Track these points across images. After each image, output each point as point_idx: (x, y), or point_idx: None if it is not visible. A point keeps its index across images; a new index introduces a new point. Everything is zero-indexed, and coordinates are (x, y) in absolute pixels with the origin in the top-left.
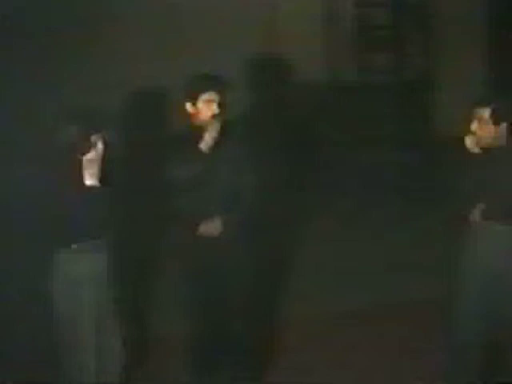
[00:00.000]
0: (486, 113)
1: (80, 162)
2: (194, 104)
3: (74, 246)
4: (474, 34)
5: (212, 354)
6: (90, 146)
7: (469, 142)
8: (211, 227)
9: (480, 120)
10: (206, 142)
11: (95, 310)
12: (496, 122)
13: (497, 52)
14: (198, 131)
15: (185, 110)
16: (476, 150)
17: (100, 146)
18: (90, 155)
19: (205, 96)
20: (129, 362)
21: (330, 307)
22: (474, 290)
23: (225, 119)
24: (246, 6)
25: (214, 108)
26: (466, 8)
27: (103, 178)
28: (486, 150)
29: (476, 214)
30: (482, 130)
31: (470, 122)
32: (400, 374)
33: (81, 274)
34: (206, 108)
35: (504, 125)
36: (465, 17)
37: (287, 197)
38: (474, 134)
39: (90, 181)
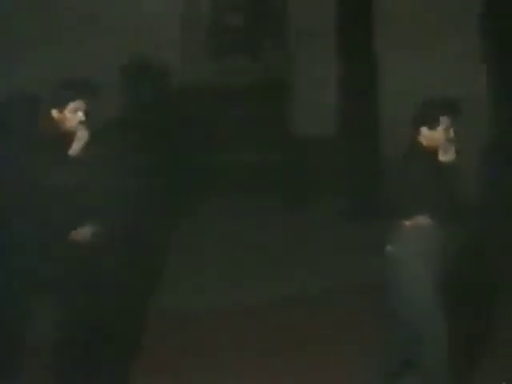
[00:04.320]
0: None
1: None
2: (60, 111)
3: None
4: (327, 36)
5: (82, 361)
6: None
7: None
8: (81, 233)
9: None
10: (75, 148)
11: None
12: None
13: (351, 52)
14: (67, 138)
15: (51, 116)
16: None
17: None
18: None
19: (72, 104)
20: None
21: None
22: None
23: (91, 126)
24: (109, 11)
25: (81, 115)
26: (319, 12)
27: None
28: None
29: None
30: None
31: None
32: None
33: None
34: (72, 115)
35: None
36: (319, 20)
37: (156, 199)
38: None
39: None
